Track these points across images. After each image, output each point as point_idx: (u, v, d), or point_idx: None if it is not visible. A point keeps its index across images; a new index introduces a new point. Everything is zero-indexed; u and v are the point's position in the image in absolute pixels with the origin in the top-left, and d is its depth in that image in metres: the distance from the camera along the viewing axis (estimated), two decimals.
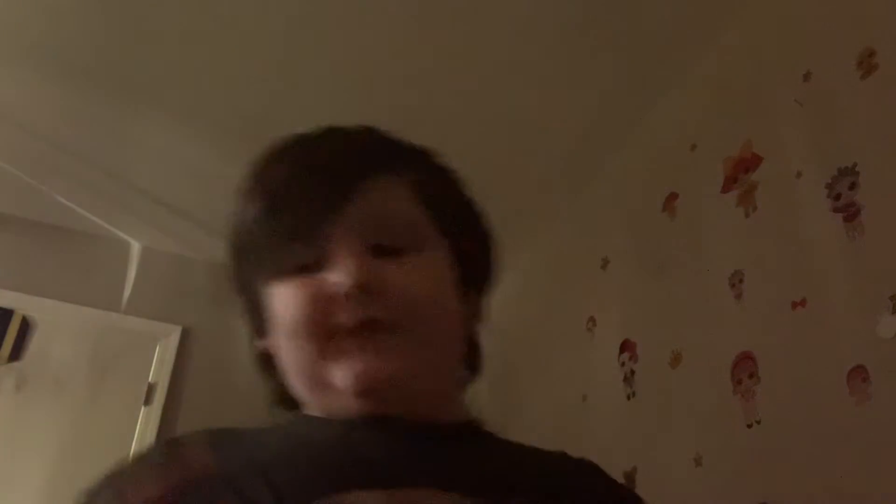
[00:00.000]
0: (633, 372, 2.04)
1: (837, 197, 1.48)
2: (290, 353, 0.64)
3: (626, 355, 2.09)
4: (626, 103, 2.18)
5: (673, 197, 2.03)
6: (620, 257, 2.25)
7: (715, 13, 1.89)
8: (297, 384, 0.65)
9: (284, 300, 0.64)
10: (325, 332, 0.62)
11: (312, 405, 0.66)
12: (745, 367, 1.62)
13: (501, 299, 2.92)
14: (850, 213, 1.44)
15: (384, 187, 0.66)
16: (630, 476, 1.93)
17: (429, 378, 0.64)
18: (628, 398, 2.04)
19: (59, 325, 2.60)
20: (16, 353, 2.48)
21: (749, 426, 1.57)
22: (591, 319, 2.32)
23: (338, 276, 0.61)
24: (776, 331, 1.56)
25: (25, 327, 2.53)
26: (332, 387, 0.62)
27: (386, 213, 0.65)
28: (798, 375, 1.48)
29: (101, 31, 1.93)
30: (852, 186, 1.45)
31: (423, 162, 0.73)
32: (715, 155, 1.88)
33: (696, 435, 1.73)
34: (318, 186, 0.64)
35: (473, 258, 0.72)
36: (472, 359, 0.74)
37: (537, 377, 2.58)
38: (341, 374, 0.61)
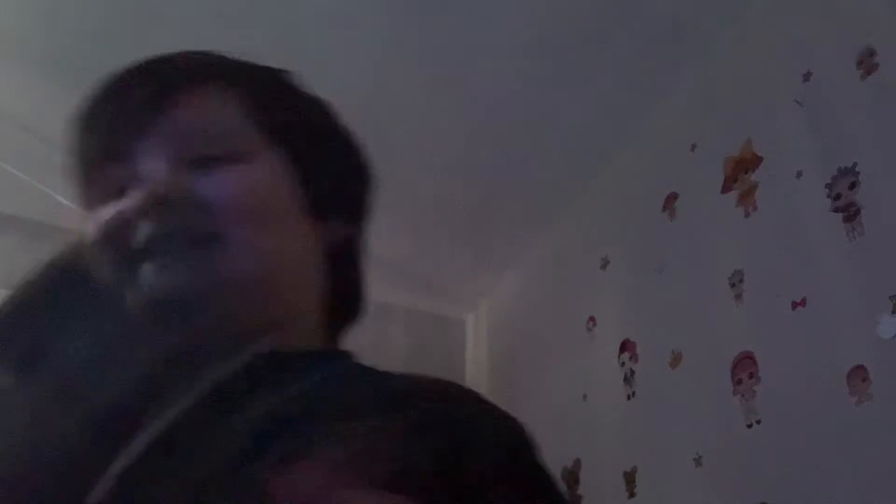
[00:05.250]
0: (633, 372, 2.04)
1: (837, 197, 1.48)
2: None
3: (626, 355, 2.09)
4: (626, 103, 2.18)
5: (673, 197, 2.03)
6: (620, 257, 2.25)
7: (715, 13, 1.89)
8: None
9: (92, 229, 0.58)
10: (124, 258, 0.55)
11: None
12: (745, 367, 1.62)
13: (502, 299, 2.92)
14: (850, 213, 1.44)
15: (201, 96, 0.59)
16: (630, 476, 1.94)
17: (252, 302, 0.56)
18: (628, 398, 2.04)
19: None
20: None
21: (749, 426, 1.57)
22: (591, 319, 2.32)
23: (133, 195, 0.55)
24: (776, 331, 1.56)
25: None
26: None
27: (202, 122, 0.58)
28: (798, 375, 1.48)
29: (101, 32, 1.94)
30: (852, 186, 1.45)
31: (255, 74, 0.65)
32: (715, 155, 1.88)
33: (696, 435, 1.73)
34: (127, 102, 0.59)
35: (328, 176, 0.65)
36: (340, 296, 0.66)
37: (537, 377, 2.58)
38: (133, 300, 0.54)
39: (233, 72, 0.63)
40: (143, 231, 0.54)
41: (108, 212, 0.56)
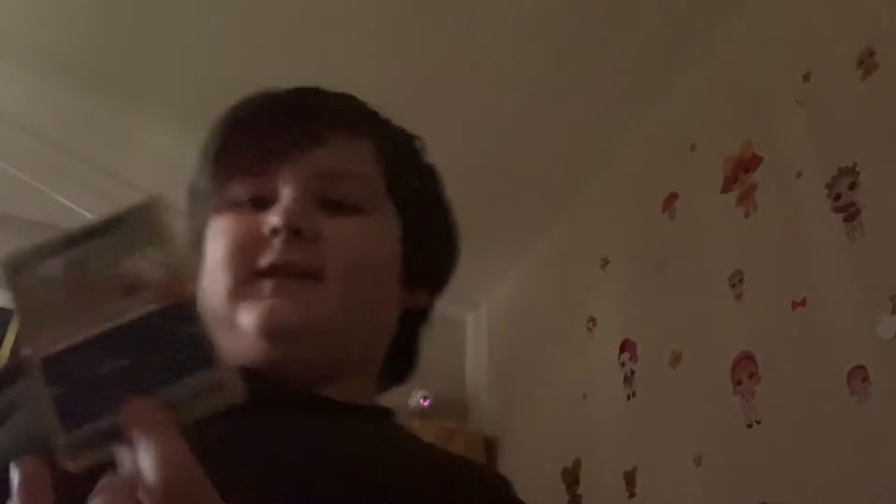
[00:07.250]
0: (633, 372, 2.04)
1: (837, 197, 1.48)
2: (207, 290, 0.60)
3: (626, 355, 2.09)
4: (626, 103, 2.18)
5: (673, 197, 2.03)
6: (620, 257, 2.25)
7: (715, 13, 1.89)
8: (211, 328, 0.57)
9: (217, 233, 0.61)
10: (244, 271, 0.58)
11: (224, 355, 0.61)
12: (745, 367, 1.62)
13: (502, 299, 2.91)
14: (850, 213, 1.44)
15: (345, 143, 0.64)
16: (630, 476, 1.93)
17: (337, 344, 0.59)
18: (628, 398, 2.04)
19: None
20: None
21: (749, 426, 1.57)
22: (591, 319, 2.32)
23: (272, 215, 0.59)
24: (776, 331, 1.56)
25: None
26: (238, 329, 0.57)
27: (341, 168, 0.63)
28: (798, 375, 1.48)
29: (101, 32, 1.94)
30: (852, 186, 1.45)
31: (395, 134, 0.70)
32: (715, 155, 1.88)
33: (696, 435, 1.72)
34: (276, 128, 0.63)
35: (427, 244, 0.69)
36: (399, 358, 0.69)
37: (537, 377, 2.58)
38: (247, 315, 0.57)
39: (378, 127, 0.68)
40: (275, 252, 0.58)
41: (239, 223, 0.60)
